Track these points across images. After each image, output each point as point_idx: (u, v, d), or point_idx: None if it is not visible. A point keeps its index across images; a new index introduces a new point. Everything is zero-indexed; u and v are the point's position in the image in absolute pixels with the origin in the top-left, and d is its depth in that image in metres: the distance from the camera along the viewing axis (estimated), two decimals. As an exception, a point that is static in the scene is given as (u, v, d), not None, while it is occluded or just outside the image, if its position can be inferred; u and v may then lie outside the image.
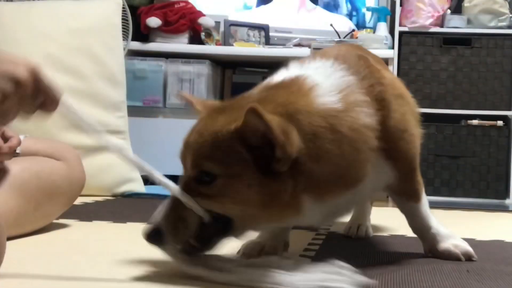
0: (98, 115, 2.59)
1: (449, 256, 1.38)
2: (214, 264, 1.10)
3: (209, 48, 3.52)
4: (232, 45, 3.57)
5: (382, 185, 1.32)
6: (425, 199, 1.43)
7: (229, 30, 3.62)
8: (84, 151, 2.19)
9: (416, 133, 1.36)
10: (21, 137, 1.67)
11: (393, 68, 3.38)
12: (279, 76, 1.21)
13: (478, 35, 3.40)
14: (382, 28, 3.53)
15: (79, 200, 1.89)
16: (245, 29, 3.65)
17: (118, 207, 2.35)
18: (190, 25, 3.51)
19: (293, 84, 1.16)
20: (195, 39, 3.56)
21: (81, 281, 1.08)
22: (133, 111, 3.04)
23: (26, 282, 1.06)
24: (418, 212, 1.41)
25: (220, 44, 3.59)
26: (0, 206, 1.38)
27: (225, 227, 1.10)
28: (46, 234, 1.60)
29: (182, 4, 3.52)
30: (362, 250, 1.52)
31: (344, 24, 3.63)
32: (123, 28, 3.01)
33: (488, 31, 3.40)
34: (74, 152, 1.75)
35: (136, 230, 1.25)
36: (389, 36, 3.50)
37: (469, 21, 3.44)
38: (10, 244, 1.14)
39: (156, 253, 1.11)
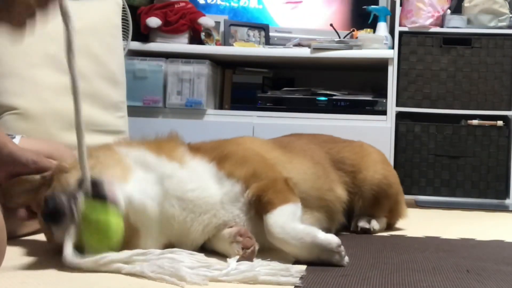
0: (98, 115, 2.59)
1: None
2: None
3: (209, 48, 3.52)
4: (232, 45, 3.57)
5: None
6: None
7: (229, 30, 3.62)
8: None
9: None
10: (18, 137, 1.67)
11: (393, 68, 3.38)
12: None
13: (478, 35, 3.40)
14: (382, 28, 3.53)
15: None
16: (245, 29, 3.65)
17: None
18: (190, 25, 3.51)
19: None
20: (195, 39, 3.56)
21: (83, 279, 1.08)
22: (133, 111, 3.04)
23: (27, 282, 1.06)
24: None
25: (220, 44, 3.59)
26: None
27: None
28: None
29: (182, 4, 3.52)
30: (361, 250, 1.52)
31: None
32: (123, 28, 3.01)
33: (488, 31, 3.40)
34: (72, 152, 1.75)
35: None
36: (389, 36, 3.50)
37: (469, 21, 3.44)
38: (10, 244, 1.14)
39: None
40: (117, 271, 1.11)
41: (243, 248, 1.26)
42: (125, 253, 1.15)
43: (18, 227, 1.50)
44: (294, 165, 1.59)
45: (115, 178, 1.23)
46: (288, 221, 1.28)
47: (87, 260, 1.13)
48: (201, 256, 1.19)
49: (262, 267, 1.14)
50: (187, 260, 1.14)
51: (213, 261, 1.19)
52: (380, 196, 1.81)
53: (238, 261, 1.18)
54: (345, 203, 1.73)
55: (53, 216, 1.16)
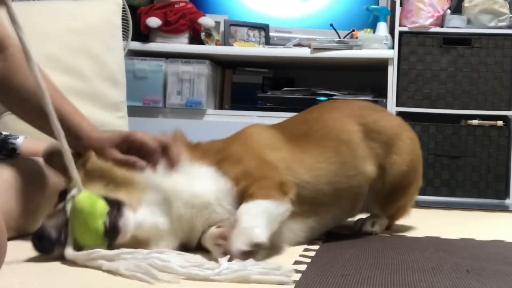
0: (98, 115, 2.59)
1: None
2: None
3: (209, 48, 3.52)
4: (232, 45, 3.57)
5: None
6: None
7: (229, 30, 3.62)
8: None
9: None
10: (22, 137, 1.67)
11: (393, 68, 3.39)
12: None
13: (478, 35, 3.40)
14: (382, 28, 3.53)
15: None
16: (245, 29, 3.65)
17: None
18: (190, 25, 3.52)
19: None
20: (195, 39, 3.56)
21: (83, 279, 1.08)
22: (133, 111, 3.04)
23: (27, 282, 1.06)
24: None
25: (220, 44, 3.59)
26: (0, 206, 1.38)
27: None
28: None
29: (182, 4, 3.53)
30: (361, 250, 1.52)
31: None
32: (123, 28, 3.01)
33: (488, 31, 3.40)
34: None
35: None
36: (389, 36, 3.51)
37: (469, 21, 3.44)
38: (10, 245, 1.14)
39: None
40: (99, 267, 1.15)
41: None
42: (115, 251, 1.18)
43: (10, 229, 1.49)
44: (304, 165, 1.55)
45: (129, 202, 1.27)
46: (258, 215, 1.29)
47: (81, 254, 1.18)
48: (190, 256, 1.20)
49: (255, 266, 1.13)
50: (176, 260, 1.14)
51: (204, 260, 1.19)
52: (397, 190, 1.76)
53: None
54: (373, 180, 1.68)
55: (42, 248, 1.21)
